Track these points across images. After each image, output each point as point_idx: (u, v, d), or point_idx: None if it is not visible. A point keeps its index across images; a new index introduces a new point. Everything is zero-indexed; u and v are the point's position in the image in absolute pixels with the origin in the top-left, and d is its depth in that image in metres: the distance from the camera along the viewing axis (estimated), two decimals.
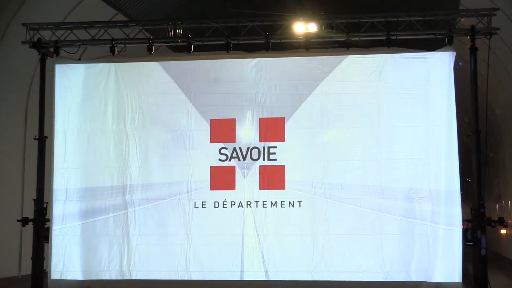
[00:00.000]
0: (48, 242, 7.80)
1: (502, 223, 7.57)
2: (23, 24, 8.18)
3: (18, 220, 8.21)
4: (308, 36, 7.89)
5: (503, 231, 11.83)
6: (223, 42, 7.88)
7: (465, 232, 7.22)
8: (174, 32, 8.38)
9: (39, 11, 10.07)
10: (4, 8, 9.82)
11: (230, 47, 7.85)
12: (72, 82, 7.96)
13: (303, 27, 8.60)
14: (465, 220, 7.55)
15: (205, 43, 8.13)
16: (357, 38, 7.82)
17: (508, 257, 13.13)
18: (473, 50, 7.41)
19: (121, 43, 8.14)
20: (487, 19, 7.46)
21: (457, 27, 8.03)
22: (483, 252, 7.18)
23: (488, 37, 7.42)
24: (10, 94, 10.55)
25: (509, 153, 13.39)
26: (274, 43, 7.88)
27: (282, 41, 8.09)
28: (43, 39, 8.10)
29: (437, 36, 7.72)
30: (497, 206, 13.67)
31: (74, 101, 7.95)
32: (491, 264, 7.66)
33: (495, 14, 7.47)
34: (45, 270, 7.86)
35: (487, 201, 8.02)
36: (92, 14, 10.34)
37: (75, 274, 7.68)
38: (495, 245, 12.20)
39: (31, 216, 7.99)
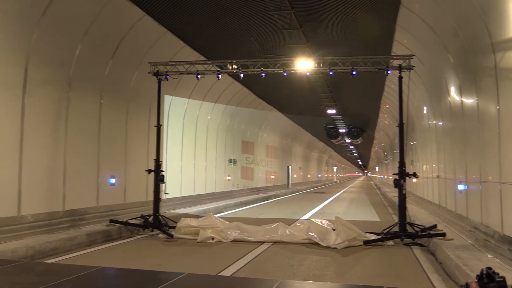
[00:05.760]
0: (163, 183, 13.38)
1: (415, 175, 12.60)
2: (149, 62, 13.26)
3: (146, 170, 13.00)
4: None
5: (414, 180, 18.01)
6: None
7: (394, 180, 12.26)
8: (231, 66, 14.14)
9: (158, 53, 14.16)
10: (139, 53, 13.83)
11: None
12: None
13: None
14: (393, 174, 12.59)
15: (248, 72, 13.80)
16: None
17: (417, 194, 21.39)
18: (400, 78, 12.19)
19: (202, 73, 13.63)
20: (408, 60, 12.21)
21: (391, 65, 13.08)
22: (404, 192, 11.88)
23: (409, 71, 12.33)
24: (143, 100, 14.78)
25: (418, 139, 20.62)
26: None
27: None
28: (159, 71, 13.28)
29: (380, 70, 13.00)
30: (411, 166, 21.33)
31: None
32: (408, 198, 12.77)
33: (413, 58, 12.29)
34: (160, 197, 13.28)
35: (406, 164, 13.33)
36: (186, 56, 15.03)
37: None
38: (410, 188, 19.84)
39: (153, 168, 12.96)
